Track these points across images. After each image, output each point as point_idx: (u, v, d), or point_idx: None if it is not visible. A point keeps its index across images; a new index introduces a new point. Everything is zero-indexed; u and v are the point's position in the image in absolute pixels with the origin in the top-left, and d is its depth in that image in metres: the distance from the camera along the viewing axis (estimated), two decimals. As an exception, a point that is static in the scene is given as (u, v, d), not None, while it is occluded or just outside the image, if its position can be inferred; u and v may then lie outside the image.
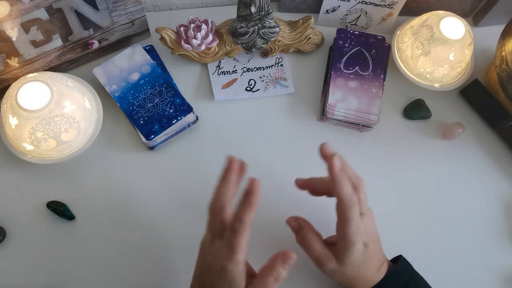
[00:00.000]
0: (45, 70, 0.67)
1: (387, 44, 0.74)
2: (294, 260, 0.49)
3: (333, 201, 0.59)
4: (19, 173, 0.64)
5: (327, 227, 0.59)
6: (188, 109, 0.66)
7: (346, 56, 0.72)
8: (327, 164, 0.52)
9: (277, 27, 0.69)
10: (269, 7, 0.65)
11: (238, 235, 0.47)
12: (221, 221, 0.50)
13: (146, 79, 0.67)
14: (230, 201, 0.50)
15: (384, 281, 0.54)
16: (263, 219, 0.65)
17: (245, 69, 0.73)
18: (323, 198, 0.60)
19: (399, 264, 0.56)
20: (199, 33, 0.66)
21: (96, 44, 0.69)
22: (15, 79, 0.62)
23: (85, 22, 0.65)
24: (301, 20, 0.70)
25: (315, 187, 0.59)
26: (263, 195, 0.65)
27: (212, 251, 0.49)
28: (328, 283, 0.61)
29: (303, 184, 0.59)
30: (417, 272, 0.57)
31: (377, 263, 0.54)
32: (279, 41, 0.71)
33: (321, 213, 0.60)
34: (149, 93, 0.67)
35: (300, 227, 0.56)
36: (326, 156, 0.52)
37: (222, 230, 0.49)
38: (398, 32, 0.75)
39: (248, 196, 0.47)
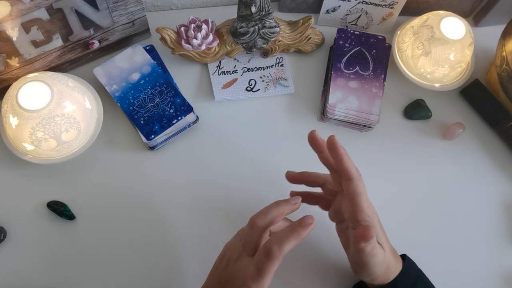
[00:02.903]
0: (45, 70, 0.67)
1: (387, 44, 0.74)
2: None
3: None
4: (19, 173, 0.64)
5: (328, 226, 0.59)
6: (189, 109, 0.66)
7: (347, 56, 0.72)
8: (328, 143, 0.52)
9: (278, 27, 0.69)
10: (270, 7, 0.65)
11: (270, 261, 0.45)
12: (258, 238, 0.48)
13: (147, 79, 0.67)
14: (275, 223, 0.48)
15: (400, 276, 0.54)
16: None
17: (246, 69, 0.73)
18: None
19: (407, 262, 0.56)
20: (199, 33, 0.66)
21: (96, 44, 0.69)
22: (16, 79, 0.62)
23: (86, 22, 0.65)
24: (302, 20, 0.70)
25: (306, 179, 0.58)
26: (263, 195, 0.65)
27: (238, 265, 0.48)
28: (328, 283, 0.62)
29: (294, 177, 0.59)
30: (421, 270, 0.57)
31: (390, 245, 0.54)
32: (279, 41, 0.71)
33: (321, 212, 0.60)
34: (149, 93, 0.67)
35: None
36: (325, 143, 0.52)
37: (255, 247, 0.48)
38: (398, 32, 0.75)
39: (299, 226, 0.46)
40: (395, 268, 0.54)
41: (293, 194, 0.60)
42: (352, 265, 0.54)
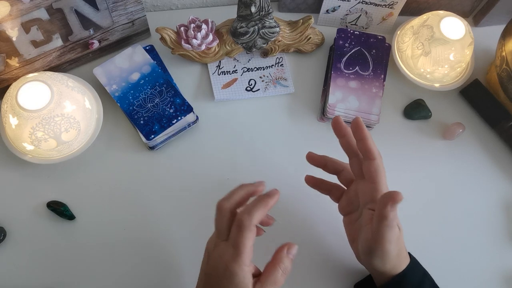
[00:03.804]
0: (45, 70, 0.67)
1: (387, 44, 0.74)
2: (296, 250, 0.49)
3: (334, 202, 0.60)
4: (19, 173, 0.64)
5: (329, 226, 0.59)
6: (188, 109, 0.66)
7: (347, 56, 0.72)
8: (353, 124, 0.53)
9: (277, 27, 0.69)
10: (269, 7, 0.65)
11: (243, 233, 0.45)
12: (228, 220, 0.47)
13: (146, 79, 0.67)
14: (242, 204, 0.49)
15: (409, 268, 0.54)
16: (263, 219, 0.65)
17: (245, 69, 0.73)
18: (325, 198, 0.60)
19: (413, 258, 0.56)
20: (199, 33, 0.66)
21: (96, 44, 0.69)
22: (15, 79, 0.62)
23: (86, 22, 0.65)
24: (301, 20, 0.70)
25: (326, 163, 0.58)
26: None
27: (216, 252, 0.48)
28: (329, 281, 0.62)
29: (314, 158, 0.59)
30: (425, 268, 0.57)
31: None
32: (279, 41, 0.71)
33: (322, 212, 0.60)
34: (149, 93, 0.67)
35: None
36: (347, 127, 0.54)
37: (228, 230, 0.48)
38: (398, 32, 0.75)
39: (266, 196, 0.47)
40: (404, 258, 0.54)
41: (308, 178, 0.60)
42: (365, 247, 0.53)
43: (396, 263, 0.53)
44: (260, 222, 0.48)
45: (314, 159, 0.59)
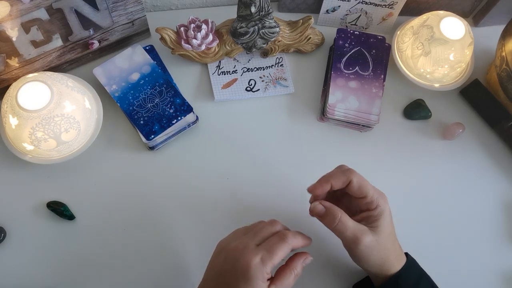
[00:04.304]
0: (45, 70, 0.67)
1: (387, 44, 0.74)
2: (310, 262, 0.53)
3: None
4: (19, 173, 0.64)
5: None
6: (188, 109, 0.66)
7: (346, 56, 0.72)
8: (313, 209, 0.55)
9: (277, 27, 0.69)
10: (269, 7, 0.65)
11: (283, 244, 0.49)
12: (271, 234, 0.52)
13: (146, 79, 0.67)
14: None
15: (403, 270, 0.55)
16: (262, 218, 0.65)
17: (245, 69, 0.73)
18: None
19: (411, 257, 0.56)
20: (199, 33, 0.66)
21: (96, 44, 0.69)
22: (15, 79, 0.62)
23: (85, 22, 0.65)
24: (301, 20, 0.70)
25: (331, 182, 0.56)
26: (263, 195, 0.65)
27: (243, 252, 0.49)
28: (329, 281, 0.62)
29: (320, 187, 0.55)
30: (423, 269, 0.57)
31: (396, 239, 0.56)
32: (279, 41, 0.71)
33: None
34: (149, 93, 0.67)
35: (326, 210, 0.53)
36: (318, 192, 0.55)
37: (263, 240, 0.51)
38: (398, 32, 0.75)
39: (308, 238, 0.53)
40: (400, 258, 0.55)
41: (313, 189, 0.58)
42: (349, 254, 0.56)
43: (386, 265, 0.54)
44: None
45: (317, 190, 0.55)
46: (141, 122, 0.65)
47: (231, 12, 0.68)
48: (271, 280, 0.49)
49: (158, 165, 0.67)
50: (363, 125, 0.69)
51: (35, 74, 0.61)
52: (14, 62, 0.64)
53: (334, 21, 0.78)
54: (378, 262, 0.54)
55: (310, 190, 0.55)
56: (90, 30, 0.67)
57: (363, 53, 0.72)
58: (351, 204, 0.56)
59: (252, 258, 0.47)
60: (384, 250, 0.54)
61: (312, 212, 0.54)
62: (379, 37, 0.74)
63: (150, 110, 0.66)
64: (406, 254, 0.57)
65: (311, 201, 0.56)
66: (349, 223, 0.52)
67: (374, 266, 0.54)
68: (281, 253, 0.49)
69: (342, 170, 0.54)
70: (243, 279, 0.47)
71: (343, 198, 0.57)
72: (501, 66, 0.68)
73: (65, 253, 0.61)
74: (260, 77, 0.73)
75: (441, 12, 0.70)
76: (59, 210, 0.62)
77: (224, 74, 0.72)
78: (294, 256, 0.52)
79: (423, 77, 0.72)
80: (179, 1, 0.78)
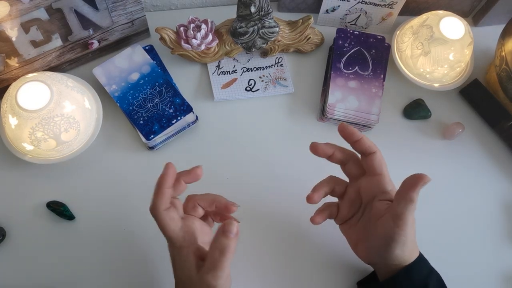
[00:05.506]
0: (45, 70, 0.67)
1: (387, 44, 0.74)
2: (237, 228, 0.46)
3: (334, 199, 0.60)
4: (19, 173, 0.64)
5: (331, 225, 0.59)
6: (188, 109, 0.66)
7: (346, 56, 0.72)
8: (342, 129, 0.54)
9: (277, 27, 0.69)
10: (269, 7, 0.65)
11: (160, 179, 0.50)
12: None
13: (146, 79, 0.67)
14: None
15: (417, 262, 0.54)
16: (263, 218, 0.65)
17: (245, 69, 0.73)
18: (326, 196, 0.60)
19: (420, 253, 0.56)
20: (198, 33, 0.66)
21: (95, 44, 0.69)
22: (15, 79, 0.62)
23: (85, 22, 0.65)
24: (301, 20, 0.70)
25: (334, 151, 0.56)
26: (263, 195, 0.65)
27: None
28: (331, 280, 0.62)
29: (322, 148, 0.55)
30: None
31: None
32: (279, 41, 0.71)
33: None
34: (149, 93, 0.67)
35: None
36: (326, 147, 0.54)
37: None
38: (398, 32, 0.75)
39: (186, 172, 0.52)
40: (416, 248, 0.54)
41: (314, 146, 0.56)
42: (385, 238, 0.52)
43: (412, 251, 0.53)
44: (223, 209, 0.52)
45: (319, 148, 0.55)
46: (141, 122, 0.65)
47: (231, 12, 0.68)
48: None
49: (158, 165, 0.66)
50: (363, 125, 0.69)
51: (35, 74, 0.61)
52: (13, 62, 0.64)
53: (334, 21, 0.78)
54: (412, 239, 0.52)
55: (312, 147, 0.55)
56: (90, 30, 0.67)
57: (363, 53, 0.72)
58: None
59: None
60: (412, 236, 0.52)
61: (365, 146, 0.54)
62: (379, 37, 0.74)
63: (149, 110, 0.66)
64: None
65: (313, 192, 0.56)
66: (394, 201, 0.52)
67: (408, 249, 0.52)
68: (161, 186, 0.49)
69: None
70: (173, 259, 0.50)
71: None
72: (501, 66, 0.68)
73: (65, 253, 0.61)
74: (260, 77, 0.73)
75: (441, 12, 0.70)
76: (59, 210, 0.62)
77: (224, 74, 0.72)
78: (216, 231, 0.47)
79: (422, 77, 0.72)
80: (178, 1, 0.78)
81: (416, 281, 0.53)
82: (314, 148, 0.55)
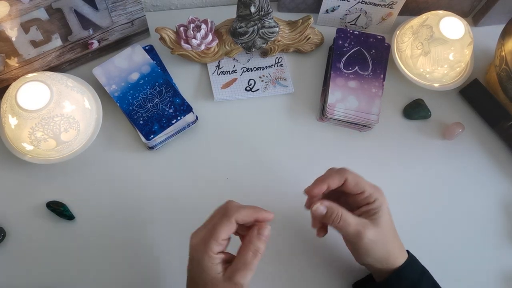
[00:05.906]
0: (44, 70, 0.67)
1: (386, 44, 0.74)
2: (269, 231, 0.49)
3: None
4: (19, 173, 0.64)
5: (328, 227, 0.59)
6: (188, 109, 0.66)
7: (346, 56, 0.72)
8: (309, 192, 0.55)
9: (277, 27, 0.69)
10: (269, 7, 0.65)
11: (222, 219, 0.48)
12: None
13: (146, 79, 0.67)
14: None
15: (407, 264, 0.55)
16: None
17: (245, 69, 0.73)
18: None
19: (412, 255, 0.57)
20: (198, 33, 0.66)
21: (95, 44, 0.69)
22: (15, 79, 0.62)
23: (85, 22, 0.65)
24: (301, 20, 0.70)
25: (328, 184, 0.55)
26: (262, 195, 0.65)
27: (193, 235, 0.50)
28: (330, 280, 0.62)
29: (316, 189, 0.55)
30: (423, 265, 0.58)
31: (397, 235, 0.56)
32: (278, 41, 0.71)
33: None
34: (148, 93, 0.67)
35: (327, 209, 0.53)
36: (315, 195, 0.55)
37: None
38: (397, 32, 0.75)
39: (252, 210, 0.50)
40: (399, 254, 0.55)
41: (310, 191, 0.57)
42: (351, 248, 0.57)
43: (391, 258, 0.54)
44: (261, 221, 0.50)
45: (315, 190, 0.54)
46: (141, 122, 0.65)
47: (231, 12, 0.68)
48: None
49: (157, 165, 0.67)
50: (362, 125, 0.69)
51: (35, 74, 0.61)
52: (13, 62, 0.64)
53: (334, 21, 0.78)
54: (383, 255, 0.54)
55: (307, 191, 0.55)
56: (90, 30, 0.67)
57: (363, 53, 0.72)
58: (348, 203, 0.56)
59: (193, 240, 0.48)
60: (388, 243, 0.54)
61: (315, 214, 0.54)
62: (379, 37, 0.74)
63: (149, 110, 0.66)
64: (407, 251, 0.57)
65: (307, 204, 0.56)
66: (350, 219, 0.53)
67: (379, 260, 0.54)
68: (221, 228, 0.47)
69: (335, 170, 0.55)
70: (196, 264, 0.48)
71: (339, 198, 0.57)
72: (501, 66, 0.68)
73: (65, 253, 0.61)
74: (260, 77, 0.73)
75: (441, 11, 0.70)
76: (58, 210, 0.62)
77: (224, 74, 0.72)
78: (249, 232, 0.49)
79: (422, 77, 0.72)
80: (178, 1, 0.78)
81: (408, 282, 0.54)
82: (309, 193, 0.55)
